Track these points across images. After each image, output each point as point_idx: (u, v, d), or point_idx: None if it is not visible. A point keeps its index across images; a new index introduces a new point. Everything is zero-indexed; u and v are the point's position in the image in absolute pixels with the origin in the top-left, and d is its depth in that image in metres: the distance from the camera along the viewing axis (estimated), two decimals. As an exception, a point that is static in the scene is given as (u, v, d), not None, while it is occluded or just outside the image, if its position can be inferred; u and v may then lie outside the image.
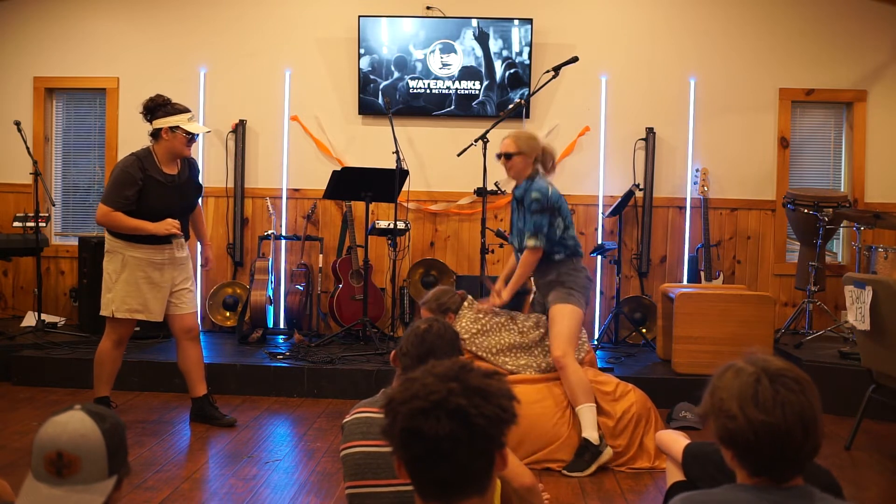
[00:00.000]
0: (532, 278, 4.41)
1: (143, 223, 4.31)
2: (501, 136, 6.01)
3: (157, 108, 4.37)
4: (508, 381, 1.56)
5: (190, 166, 4.57)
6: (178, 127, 4.33)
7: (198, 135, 4.44)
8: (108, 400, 4.55)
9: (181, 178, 4.47)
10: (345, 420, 2.51)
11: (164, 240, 4.40)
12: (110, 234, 4.42)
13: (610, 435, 4.09)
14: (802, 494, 1.62)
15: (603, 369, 4.74)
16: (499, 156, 4.33)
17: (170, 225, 4.33)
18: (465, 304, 4.30)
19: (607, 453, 4.02)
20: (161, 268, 4.43)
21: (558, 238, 4.18)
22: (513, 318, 4.33)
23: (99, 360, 4.51)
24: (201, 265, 4.75)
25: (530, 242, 4.13)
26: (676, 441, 2.64)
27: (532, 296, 4.56)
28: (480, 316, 4.27)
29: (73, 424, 1.67)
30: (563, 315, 4.13)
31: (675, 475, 2.62)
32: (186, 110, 4.41)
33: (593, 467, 3.99)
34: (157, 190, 4.35)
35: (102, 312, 4.46)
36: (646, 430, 4.15)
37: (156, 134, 4.37)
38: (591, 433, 4.01)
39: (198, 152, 6.52)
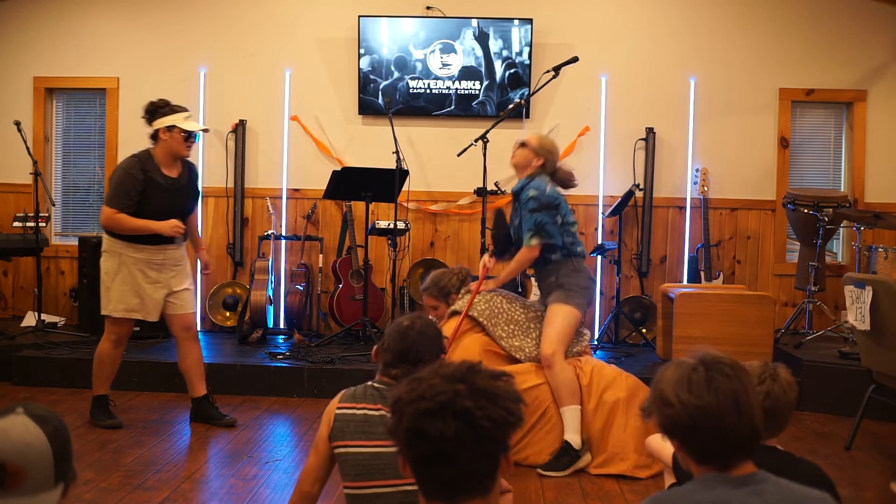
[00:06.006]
0: (534, 280, 4.43)
1: (149, 222, 4.32)
2: (501, 136, 6.07)
3: (155, 110, 4.38)
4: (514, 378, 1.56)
5: (190, 171, 4.56)
6: (174, 126, 4.33)
7: (196, 133, 4.43)
8: (106, 399, 4.56)
9: (181, 182, 4.47)
10: (333, 412, 2.47)
11: (165, 240, 4.41)
12: (108, 234, 4.43)
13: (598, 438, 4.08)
14: (752, 481, 1.65)
15: None
16: (519, 143, 4.33)
17: (176, 225, 4.34)
18: (464, 289, 4.36)
19: (586, 458, 4.02)
20: (159, 268, 4.44)
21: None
22: (517, 299, 4.37)
23: (98, 360, 4.52)
24: (201, 270, 4.75)
25: (533, 241, 4.12)
26: (665, 446, 2.64)
27: (532, 280, 4.61)
28: (485, 296, 4.32)
29: (17, 431, 1.51)
30: (559, 314, 4.13)
31: (672, 477, 2.62)
32: (184, 110, 4.42)
33: (570, 470, 3.98)
34: (158, 192, 4.36)
35: (102, 312, 4.48)
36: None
37: (154, 136, 4.38)
38: (573, 437, 4.01)
39: (198, 152, 6.52)
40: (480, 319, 4.24)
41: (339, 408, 2.47)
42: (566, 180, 4.29)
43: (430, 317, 4.33)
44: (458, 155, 5.53)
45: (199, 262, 4.76)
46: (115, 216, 4.31)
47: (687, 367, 1.67)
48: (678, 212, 6.49)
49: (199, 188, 4.71)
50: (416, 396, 1.46)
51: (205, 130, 4.60)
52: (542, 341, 4.13)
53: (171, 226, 4.33)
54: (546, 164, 4.25)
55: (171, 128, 4.34)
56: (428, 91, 6.41)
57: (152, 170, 4.36)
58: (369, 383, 2.50)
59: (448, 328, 4.26)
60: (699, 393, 1.63)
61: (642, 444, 4.00)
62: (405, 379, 1.53)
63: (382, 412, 2.39)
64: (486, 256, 4.44)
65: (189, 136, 4.38)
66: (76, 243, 6.35)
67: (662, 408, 1.67)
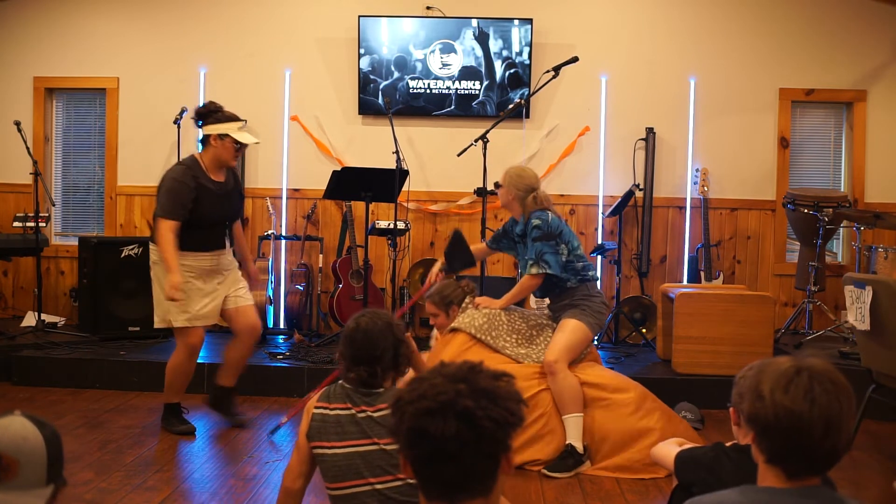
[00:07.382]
0: (548, 309, 4.46)
1: (170, 263, 4.12)
2: (501, 136, 6.08)
3: (208, 114, 4.32)
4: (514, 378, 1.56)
5: (234, 175, 4.51)
6: (227, 135, 4.28)
7: (246, 145, 4.37)
8: (179, 406, 4.51)
9: (228, 186, 4.41)
10: (312, 410, 2.50)
11: (218, 245, 4.36)
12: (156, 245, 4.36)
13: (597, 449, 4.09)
14: (813, 494, 1.64)
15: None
16: (495, 184, 4.53)
17: (175, 292, 4.11)
18: (467, 300, 4.38)
19: (587, 466, 4.03)
20: (208, 275, 4.35)
21: (564, 263, 4.20)
22: (517, 310, 4.40)
23: (173, 371, 4.41)
24: (249, 286, 4.57)
25: (532, 270, 4.18)
26: (667, 453, 2.65)
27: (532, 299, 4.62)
28: (483, 311, 4.32)
29: (15, 427, 1.60)
30: (569, 327, 4.16)
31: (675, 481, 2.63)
32: (237, 119, 4.35)
33: (573, 472, 3.98)
34: (209, 198, 4.29)
35: (157, 325, 4.37)
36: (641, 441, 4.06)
37: (205, 140, 4.33)
38: (576, 443, 4.02)
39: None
40: (479, 335, 4.24)
41: (316, 407, 2.52)
42: (546, 203, 4.32)
43: (430, 323, 4.39)
44: (458, 155, 5.53)
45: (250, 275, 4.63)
46: (167, 234, 4.13)
47: (790, 369, 1.65)
48: (678, 212, 6.49)
49: (243, 191, 4.60)
50: (418, 396, 1.46)
51: (256, 143, 4.53)
52: (548, 348, 4.15)
53: (173, 288, 4.09)
54: (519, 195, 4.29)
55: (223, 136, 4.28)
56: (428, 91, 6.42)
57: (201, 176, 4.28)
58: (339, 381, 2.54)
59: (443, 344, 4.27)
60: (794, 397, 1.61)
61: (647, 451, 4.01)
62: (412, 379, 1.54)
63: (352, 411, 2.45)
64: (436, 268, 4.51)
65: (240, 147, 4.34)
66: (76, 243, 6.35)
67: (753, 399, 1.66)
